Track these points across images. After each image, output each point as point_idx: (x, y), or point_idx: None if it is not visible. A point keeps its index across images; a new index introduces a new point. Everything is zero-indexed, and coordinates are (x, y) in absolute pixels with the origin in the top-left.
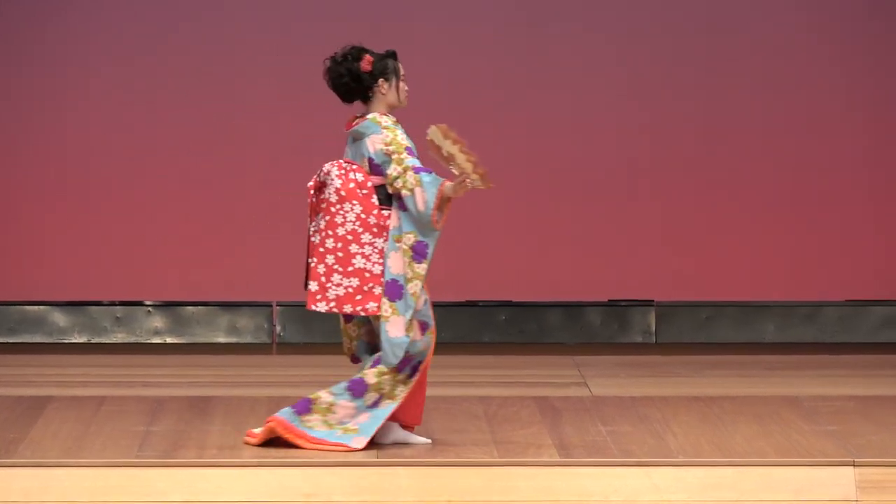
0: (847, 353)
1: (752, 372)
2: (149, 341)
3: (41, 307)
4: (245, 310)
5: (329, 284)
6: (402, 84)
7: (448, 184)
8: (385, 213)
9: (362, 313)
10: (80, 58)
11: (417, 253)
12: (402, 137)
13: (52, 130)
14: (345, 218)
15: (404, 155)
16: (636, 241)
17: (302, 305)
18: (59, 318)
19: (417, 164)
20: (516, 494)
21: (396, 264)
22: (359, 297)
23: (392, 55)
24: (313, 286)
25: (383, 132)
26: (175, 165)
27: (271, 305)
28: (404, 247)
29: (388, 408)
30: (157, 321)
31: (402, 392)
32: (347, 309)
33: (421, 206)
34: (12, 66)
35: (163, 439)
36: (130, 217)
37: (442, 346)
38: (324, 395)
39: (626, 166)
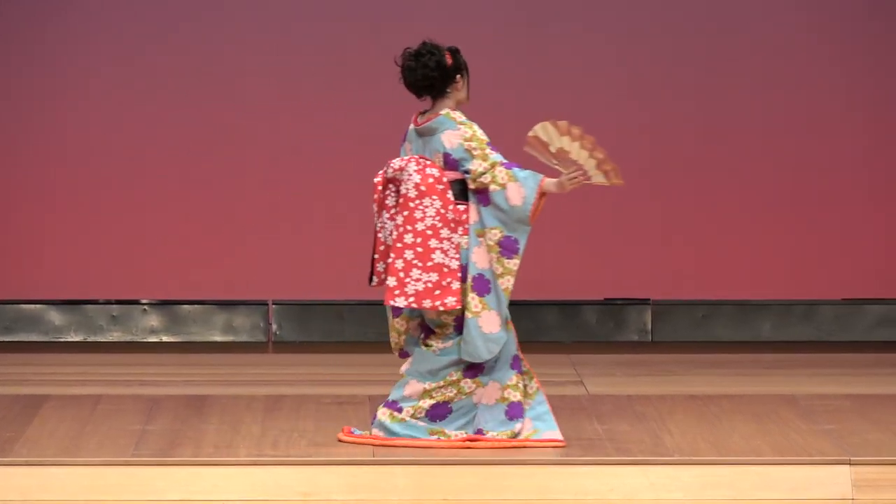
0: (844, 352)
1: (748, 370)
2: (145, 340)
3: (37, 306)
4: (241, 308)
5: (408, 280)
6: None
7: (549, 180)
8: (461, 207)
9: (441, 308)
10: (80, 58)
11: (506, 249)
12: (481, 133)
13: (50, 130)
14: (424, 213)
15: (488, 150)
16: (632, 239)
17: (297, 303)
18: (55, 316)
19: (503, 158)
20: (513, 493)
21: (482, 259)
22: (437, 292)
23: (458, 51)
24: (391, 282)
25: (460, 128)
26: (171, 165)
27: (267, 304)
28: (490, 242)
29: (541, 397)
30: (153, 320)
31: (533, 383)
32: (427, 304)
33: (517, 201)
34: (12, 67)
35: (159, 438)
36: (126, 216)
37: None
38: (514, 427)
39: (624, 165)
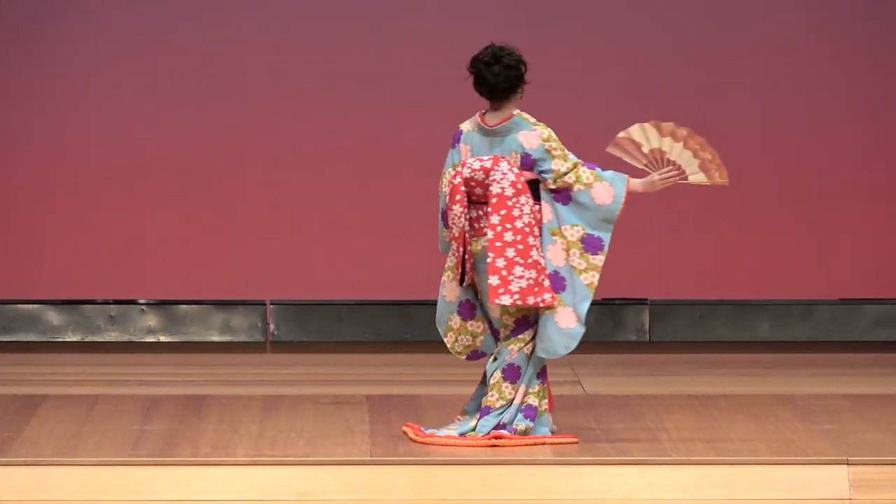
0: (841, 352)
1: (746, 370)
2: (143, 340)
3: (35, 306)
4: (239, 308)
5: (511, 277)
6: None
7: (635, 180)
8: (536, 206)
9: (541, 304)
10: (80, 58)
11: (590, 245)
12: (554, 134)
13: (49, 130)
14: (521, 211)
15: (567, 151)
16: (630, 239)
17: (295, 303)
18: (53, 316)
19: (578, 159)
20: (511, 493)
21: (557, 257)
22: (536, 288)
23: None
24: (494, 280)
25: (536, 128)
26: (168, 165)
27: (265, 304)
28: (571, 239)
29: (546, 417)
30: (151, 320)
31: (545, 402)
32: (530, 301)
33: (606, 200)
34: (12, 66)
35: (157, 438)
36: (124, 216)
37: (435, 345)
38: (527, 424)
39: (622, 165)
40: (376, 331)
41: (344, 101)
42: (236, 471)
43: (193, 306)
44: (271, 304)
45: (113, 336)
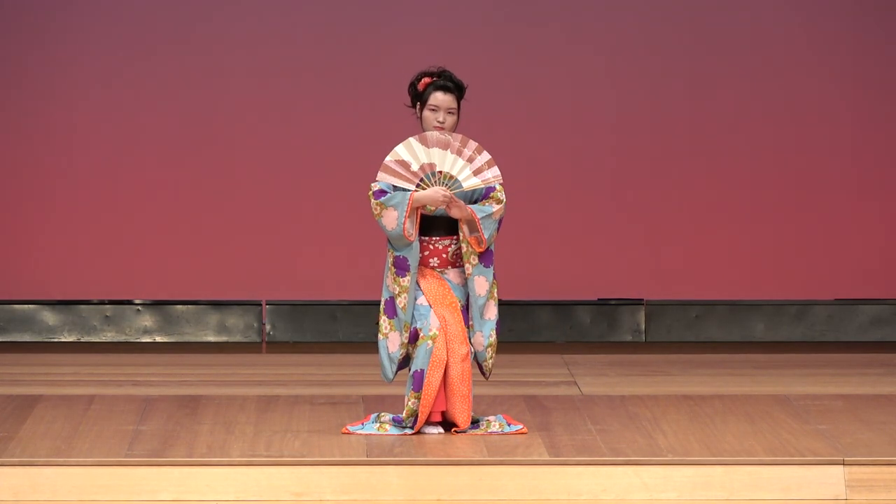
0: (836, 352)
1: (741, 371)
2: (138, 340)
3: (30, 306)
4: (235, 308)
5: None
6: (428, 113)
7: (419, 193)
8: None
9: None
10: (77, 60)
11: (398, 267)
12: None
13: (42, 130)
14: None
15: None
16: (625, 239)
17: (291, 304)
18: (48, 316)
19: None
20: (506, 493)
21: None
22: None
23: (425, 80)
24: None
25: None
26: (165, 165)
27: (261, 304)
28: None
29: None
30: (147, 320)
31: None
32: None
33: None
34: (6, 68)
35: (152, 438)
36: (120, 216)
37: None
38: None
39: (615, 165)
40: (371, 331)
41: (340, 102)
42: (232, 471)
43: (189, 306)
44: (267, 304)
45: (108, 336)
